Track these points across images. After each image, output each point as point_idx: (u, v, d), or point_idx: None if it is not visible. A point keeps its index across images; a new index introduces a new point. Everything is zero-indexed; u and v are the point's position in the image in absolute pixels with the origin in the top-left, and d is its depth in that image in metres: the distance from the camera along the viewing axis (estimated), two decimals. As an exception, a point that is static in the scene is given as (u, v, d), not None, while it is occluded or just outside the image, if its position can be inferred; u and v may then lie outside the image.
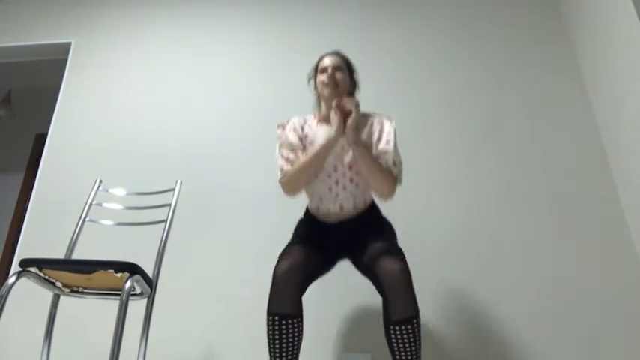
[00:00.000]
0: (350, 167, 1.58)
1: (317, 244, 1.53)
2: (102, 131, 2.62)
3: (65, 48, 2.95)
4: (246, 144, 2.47)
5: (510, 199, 2.17)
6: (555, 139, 2.27)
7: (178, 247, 2.23)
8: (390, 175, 1.54)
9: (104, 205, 1.97)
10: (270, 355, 1.38)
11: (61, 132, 2.65)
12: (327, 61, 1.67)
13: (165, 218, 1.87)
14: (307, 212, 1.70)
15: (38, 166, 2.60)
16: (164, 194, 1.99)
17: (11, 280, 1.42)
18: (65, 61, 2.92)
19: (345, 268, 2.08)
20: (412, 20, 2.69)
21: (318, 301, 2.02)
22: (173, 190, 1.96)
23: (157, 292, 1.75)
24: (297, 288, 1.39)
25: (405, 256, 1.41)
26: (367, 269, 1.47)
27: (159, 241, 1.80)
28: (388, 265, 1.36)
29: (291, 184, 1.58)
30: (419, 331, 1.33)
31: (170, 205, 1.90)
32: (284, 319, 1.35)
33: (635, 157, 1.96)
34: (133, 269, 1.45)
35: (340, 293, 2.06)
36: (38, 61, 3.20)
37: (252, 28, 2.82)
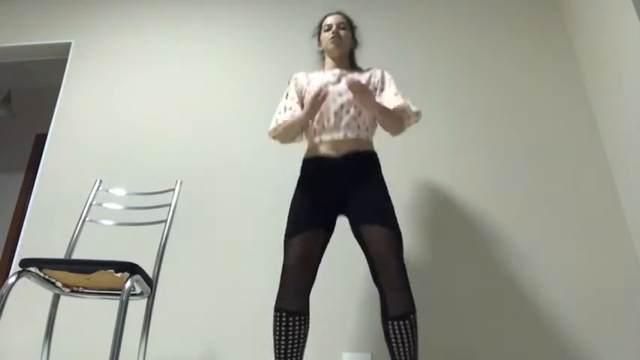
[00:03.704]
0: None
1: (317, 212, 1.54)
2: (102, 131, 2.62)
3: (65, 48, 2.95)
4: (246, 144, 2.47)
5: (510, 199, 2.17)
6: (555, 139, 2.27)
7: (178, 247, 2.23)
8: (401, 113, 1.68)
9: (104, 205, 1.97)
10: (276, 352, 1.41)
11: (61, 132, 2.65)
12: (331, 20, 1.82)
13: (165, 218, 1.87)
14: (305, 163, 1.69)
15: (38, 166, 2.60)
16: (164, 194, 1.99)
17: (11, 280, 1.42)
18: (65, 61, 2.92)
19: (344, 268, 2.08)
20: (412, 19, 2.69)
21: (317, 300, 2.02)
22: (173, 190, 1.96)
23: (157, 292, 1.75)
24: (305, 285, 1.45)
25: (402, 242, 1.47)
26: (363, 246, 1.50)
27: (159, 241, 1.80)
28: (387, 259, 1.41)
29: (284, 134, 1.71)
30: (416, 327, 1.38)
31: (170, 205, 1.90)
32: (291, 316, 1.40)
33: (635, 157, 1.96)
34: (133, 269, 1.45)
35: (340, 293, 2.06)
36: (38, 61, 3.20)
37: (252, 29, 2.81)
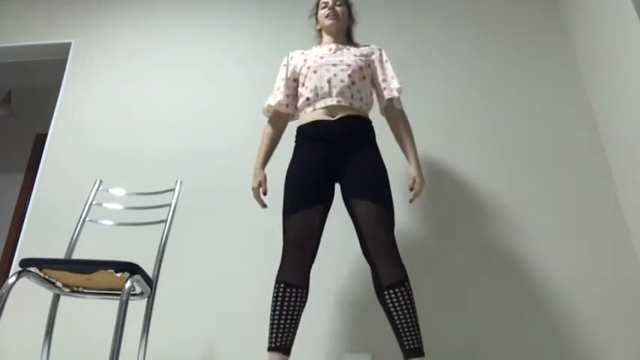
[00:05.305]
0: (348, 65, 1.69)
1: (314, 185, 1.55)
2: (102, 131, 2.62)
3: (65, 48, 2.95)
4: (246, 143, 2.46)
5: (509, 198, 2.17)
6: (555, 139, 2.27)
7: (178, 247, 2.23)
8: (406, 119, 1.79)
9: (104, 205, 1.97)
10: (270, 323, 1.44)
11: (61, 132, 2.65)
12: None
13: (165, 218, 1.87)
14: (300, 130, 1.71)
15: (38, 166, 2.60)
16: (164, 194, 1.99)
17: (11, 280, 1.42)
18: (65, 61, 2.92)
19: (344, 267, 2.08)
20: (411, 17, 2.69)
21: (317, 300, 2.02)
22: (173, 190, 1.96)
23: (157, 292, 1.75)
24: (305, 260, 1.48)
25: (393, 217, 1.50)
26: (353, 217, 1.54)
27: (159, 241, 1.80)
28: (378, 235, 1.44)
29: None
30: (412, 294, 1.42)
31: (170, 205, 1.90)
32: (289, 288, 1.44)
33: (635, 157, 1.96)
34: (132, 269, 1.45)
35: (340, 293, 2.06)
36: (38, 61, 3.21)
37: (251, 27, 2.82)
